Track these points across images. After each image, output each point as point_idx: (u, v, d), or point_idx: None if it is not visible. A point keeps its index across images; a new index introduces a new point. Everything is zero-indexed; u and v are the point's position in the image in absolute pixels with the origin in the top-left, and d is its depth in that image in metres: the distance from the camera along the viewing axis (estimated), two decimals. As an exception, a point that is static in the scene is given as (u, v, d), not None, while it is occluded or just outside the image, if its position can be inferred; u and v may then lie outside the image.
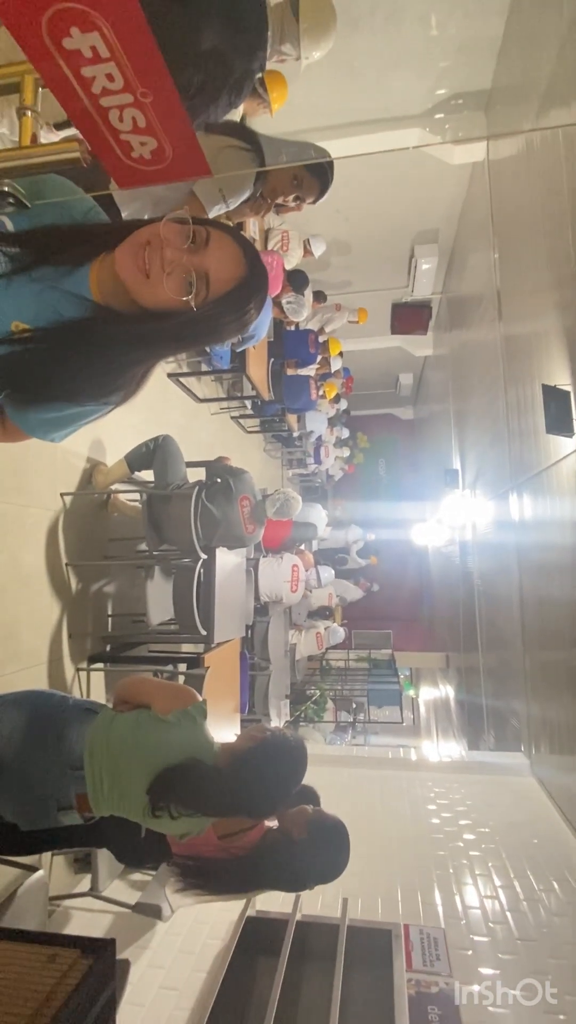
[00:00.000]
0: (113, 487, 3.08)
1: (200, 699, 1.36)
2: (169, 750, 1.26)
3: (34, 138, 0.75)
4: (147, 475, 3.38)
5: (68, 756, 1.27)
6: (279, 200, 1.87)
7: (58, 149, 0.74)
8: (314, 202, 1.85)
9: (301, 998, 2.07)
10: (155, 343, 0.87)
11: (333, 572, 7.68)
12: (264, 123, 2.93)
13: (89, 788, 1.26)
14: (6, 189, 0.79)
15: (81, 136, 0.74)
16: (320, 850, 1.54)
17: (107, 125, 0.70)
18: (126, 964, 1.97)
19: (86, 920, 2.38)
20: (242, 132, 1.66)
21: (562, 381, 3.04)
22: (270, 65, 2.36)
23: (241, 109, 2.98)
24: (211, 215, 1.77)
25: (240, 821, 1.60)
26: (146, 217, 1.73)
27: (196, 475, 3.28)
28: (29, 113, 0.75)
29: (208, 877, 1.50)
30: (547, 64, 3.34)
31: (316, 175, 1.86)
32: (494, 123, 4.78)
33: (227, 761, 1.30)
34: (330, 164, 1.87)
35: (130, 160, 0.78)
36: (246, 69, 1.58)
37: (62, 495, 2.79)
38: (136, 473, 3.09)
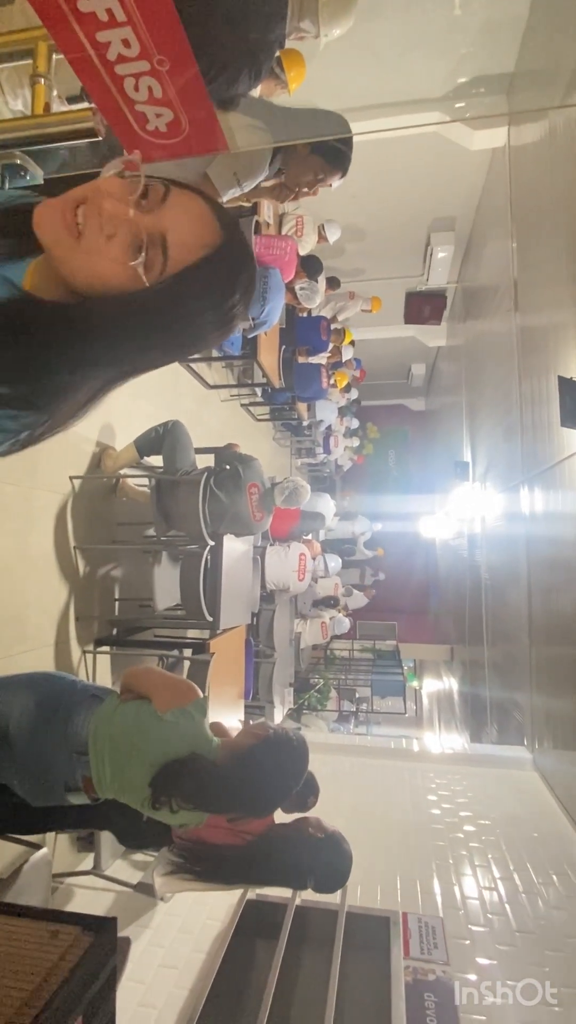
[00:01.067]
0: (122, 471, 3.08)
1: (201, 695, 1.36)
2: (168, 748, 1.26)
3: (47, 108, 0.73)
4: (156, 460, 3.37)
5: (74, 741, 1.29)
6: (304, 191, 1.85)
7: (71, 119, 0.72)
8: (340, 178, 1.82)
9: (299, 981, 2.09)
10: (96, 340, 0.62)
11: (340, 561, 7.67)
12: (282, 103, 2.87)
13: (93, 774, 1.28)
14: (18, 162, 0.78)
15: (95, 106, 0.73)
16: (332, 852, 1.56)
17: (122, 94, 0.68)
18: (127, 942, 2.00)
19: (88, 898, 2.42)
20: (256, 108, 1.63)
21: (578, 374, 2.99)
22: (289, 43, 2.31)
23: (259, 89, 2.92)
24: (225, 199, 1.74)
25: None
26: None
27: (205, 461, 3.27)
28: (42, 81, 0.73)
29: (210, 863, 1.51)
30: (574, 47, 3.25)
31: (336, 162, 1.82)
32: (516, 108, 4.67)
33: (228, 758, 1.30)
34: (348, 145, 1.83)
35: (145, 132, 0.76)
36: (266, 47, 1.54)
37: (71, 478, 2.79)
38: (145, 458, 3.08)
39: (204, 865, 1.51)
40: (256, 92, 2.68)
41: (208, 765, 1.26)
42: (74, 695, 1.35)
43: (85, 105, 0.95)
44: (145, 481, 3.12)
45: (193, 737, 1.29)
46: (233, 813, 1.34)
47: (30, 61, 0.72)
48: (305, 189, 1.78)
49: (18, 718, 1.28)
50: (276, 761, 1.34)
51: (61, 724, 1.30)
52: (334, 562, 7.21)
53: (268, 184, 1.88)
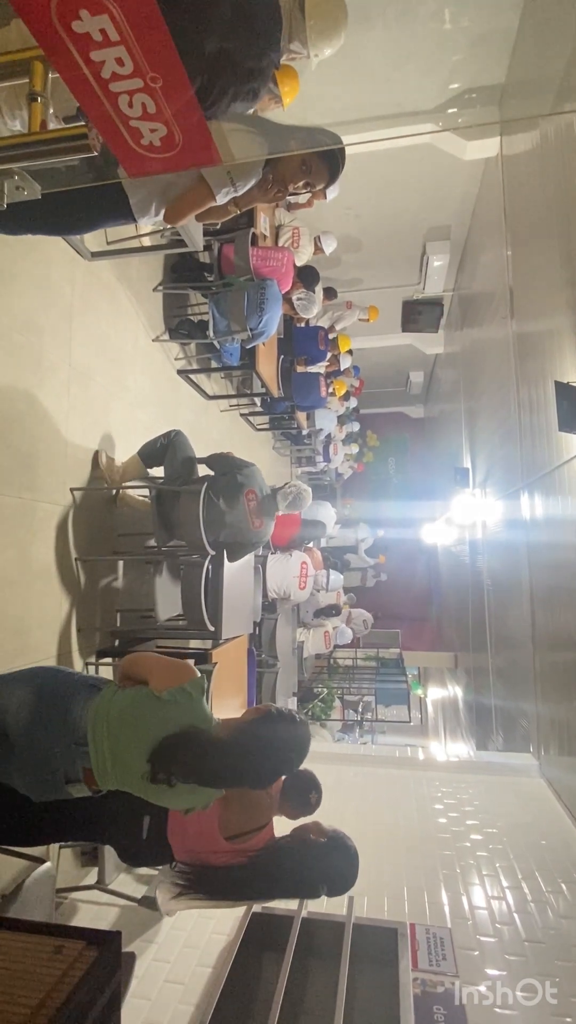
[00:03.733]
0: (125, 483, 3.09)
1: (198, 675, 1.37)
2: (166, 725, 1.27)
3: (43, 125, 0.75)
4: (162, 471, 3.38)
5: (73, 731, 1.29)
6: (290, 188, 1.86)
7: (67, 135, 0.74)
8: (325, 187, 1.83)
9: (306, 995, 2.07)
10: None
11: (342, 577, 7.65)
12: (276, 117, 2.92)
13: (93, 763, 1.28)
14: (16, 177, 0.79)
15: (91, 123, 0.74)
16: (338, 855, 1.56)
17: (117, 111, 0.69)
18: (132, 957, 1.98)
19: (93, 913, 2.39)
20: (249, 120, 1.65)
21: (575, 378, 3.01)
22: (280, 62, 2.35)
23: (253, 108, 2.97)
24: (219, 199, 1.75)
25: (247, 821, 1.60)
26: (154, 204, 1.73)
27: (203, 471, 3.27)
28: (39, 99, 0.75)
29: (215, 885, 1.51)
30: (563, 57, 3.30)
31: (324, 158, 1.83)
32: (508, 118, 4.74)
33: (229, 733, 1.32)
34: (339, 153, 1.84)
35: (140, 148, 0.77)
36: (263, 70, 1.56)
37: (72, 490, 2.80)
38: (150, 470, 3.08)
39: (210, 887, 1.51)
40: (252, 109, 2.72)
41: (207, 737, 1.27)
42: (72, 687, 1.36)
43: (81, 122, 0.96)
44: (145, 490, 3.12)
45: (192, 714, 1.30)
46: (234, 786, 1.35)
47: (27, 80, 0.74)
48: (292, 187, 1.78)
49: (16, 710, 1.28)
50: (276, 733, 1.35)
51: (60, 714, 1.30)
52: (336, 577, 7.20)
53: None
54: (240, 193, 1.64)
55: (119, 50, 0.62)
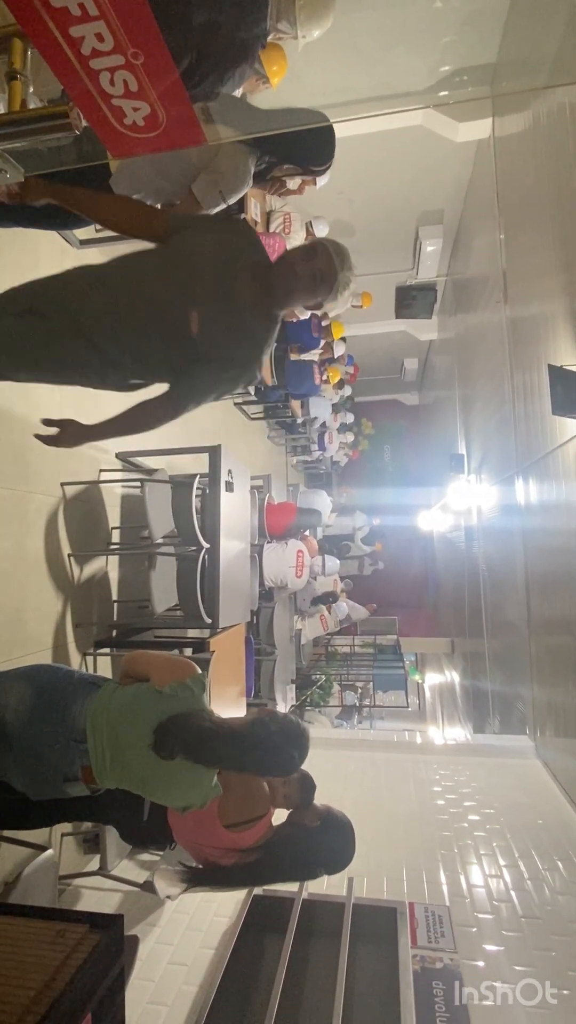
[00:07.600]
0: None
1: (199, 671, 1.37)
2: (166, 715, 1.29)
3: (24, 104, 0.74)
4: (155, 463, 3.37)
5: (73, 729, 1.30)
6: (287, 184, 1.86)
7: (48, 114, 0.72)
8: (322, 173, 1.83)
9: (307, 974, 2.10)
10: None
11: (338, 562, 7.68)
12: (266, 99, 2.88)
13: (92, 760, 1.29)
14: (-2, 160, 0.78)
15: (72, 102, 0.73)
16: (332, 836, 1.58)
17: (98, 89, 0.68)
18: (135, 940, 2.01)
19: (96, 899, 2.42)
20: (236, 103, 1.64)
21: (569, 362, 3.00)
22: (268, 42, 2.31)
23: (242, 88, 2.92)
24: (211, 211, 1.75)
25: (247, 810, 1.62)
26: (148, 203, 1.71)
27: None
28: (18, 78, 0.73)
29: (217, 880, 1.53)
30: (555, 36, 3.26)
31: (318, 173, 1.84)
32: (500, 99, 4.68)
33: (232, 723, 1.34)
34: (330, 151, 1.83)
35: (123, 127, 0.76)
36: (249, 48, 1.54)
37: (62, 484, 2.78)
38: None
39: (214, 880, 1.53)
40: (239, 91, 2.69)
41: (209, 721, 1.30)
42: (71, 685, 1.37)
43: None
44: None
45: (192, 708, 1.31)
46: (238, 770, 1.37)
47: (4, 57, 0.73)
48: (289, 184, 1.79)
49: (16, 708, 1.29)
50: (282, 726, 1.38)
51: (59, 712, 1.31)
52: (332, 563, 7.22)
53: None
54: (230, 203, 1.65)
55: (99, 25, 0.61)
